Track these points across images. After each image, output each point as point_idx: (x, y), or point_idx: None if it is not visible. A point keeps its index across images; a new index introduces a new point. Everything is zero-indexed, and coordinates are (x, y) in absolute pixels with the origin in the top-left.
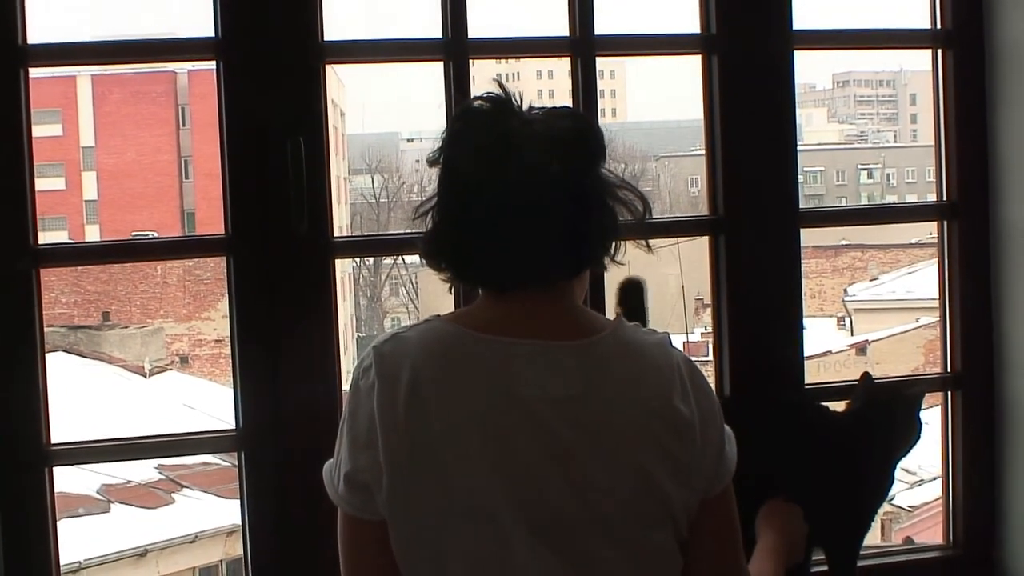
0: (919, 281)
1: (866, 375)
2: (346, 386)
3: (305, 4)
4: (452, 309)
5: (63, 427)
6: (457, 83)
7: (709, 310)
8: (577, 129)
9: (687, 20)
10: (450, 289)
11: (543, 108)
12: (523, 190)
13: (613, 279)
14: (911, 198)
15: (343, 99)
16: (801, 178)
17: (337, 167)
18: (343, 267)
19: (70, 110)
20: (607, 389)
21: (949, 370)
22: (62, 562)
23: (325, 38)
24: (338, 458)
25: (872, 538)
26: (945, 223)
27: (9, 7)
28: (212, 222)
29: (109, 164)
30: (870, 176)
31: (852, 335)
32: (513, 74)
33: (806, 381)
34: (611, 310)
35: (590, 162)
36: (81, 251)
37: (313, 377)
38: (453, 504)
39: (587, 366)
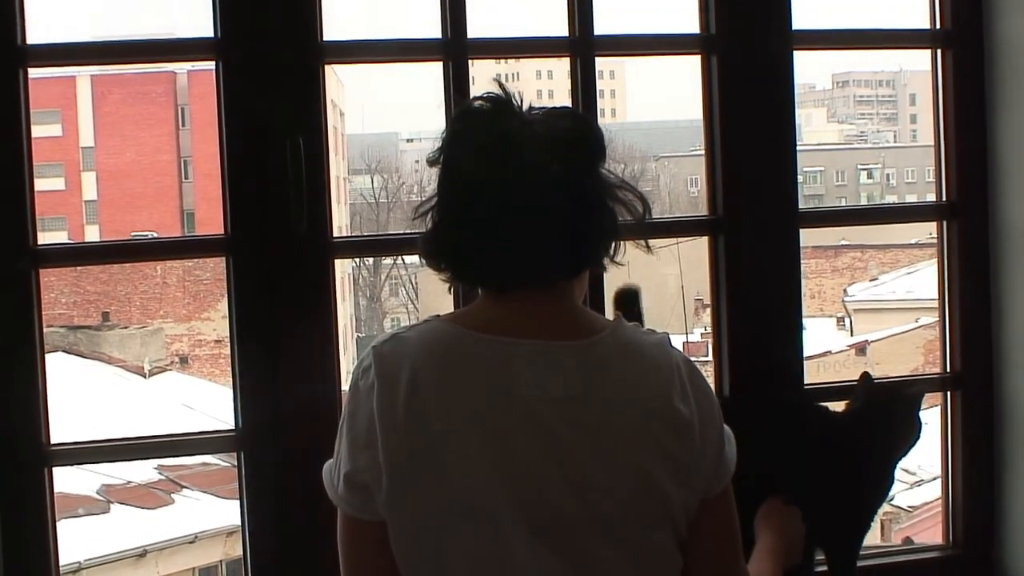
0: (919, 281)
1: (866, 375)
2: (345, 386)
3: (305, 4)
4: (452, 309)
5: (63, 427)
6: (457, 83)
7: (709, 310)
8: (577, 129)
9: (687, 20)
10: (450, 289)
11: (543, 108)
12: (523, 190)
13: (613, 280)
14: (911, 198)
15: (343, 99)
16: (801, 178)
17: (337, 167)
18: (343, 267)
19: (69, 110)
20: (607, 389)
21: (949, 370)
22: (62, 562)
23: (324, 38)
24: (338, 458)
25: (872, 538)
26: (945, 223)
27: (9, 7)
28: (212, 222)
29: (109, 164)
30: (870, 176)
31: (852, 335)
32: (513, 74)
33: (806, 381)
34: (609, 315)
35: (590, 162)
36: (81, 251)
37: (313, 377)
38: (453, 504)
39: (587, 366)
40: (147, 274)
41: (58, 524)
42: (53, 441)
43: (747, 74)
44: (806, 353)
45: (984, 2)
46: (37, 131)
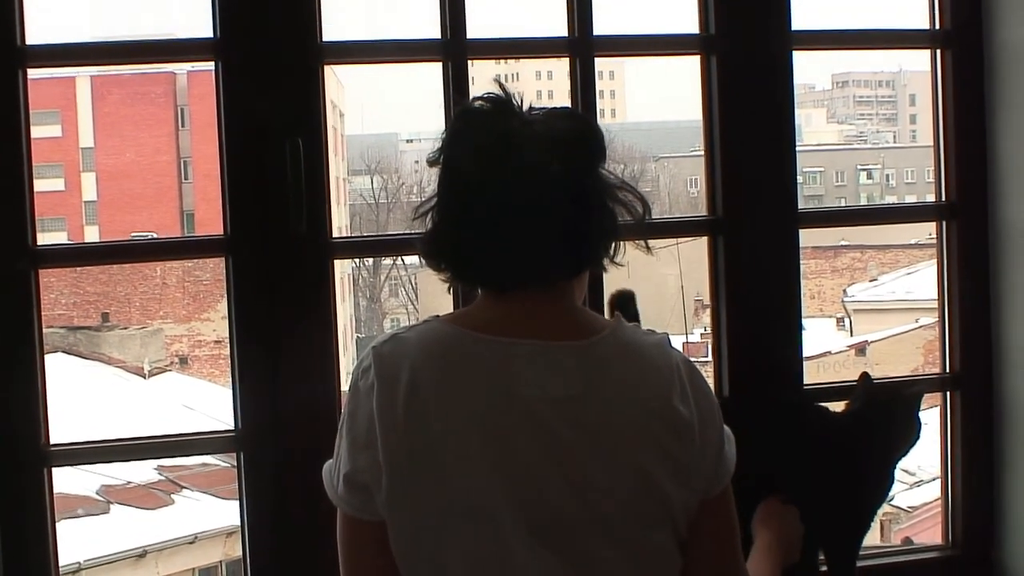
0: (918, 281)
1: (865, 375)
2: (345, 387)
3: (304, 4)
4: (452, 309)
5: (62, 428)
6: (456, 84)
7: (708, 311)
8: (577, 129)
9: (686, 20)
10: (449, 289)
11: (543, 108)
12: (523, 190)
13: (612, 280)
14: (910, 198)
15: (342, 100)
16: (800, 179)
17: (336, 168)
18: (342, 268)
19: (69, 111)
20: (607, 389)
21: (948, 370)
22: (61, 563)
23: (324, 38)
24: (337, 459)
25: (871, 538)
26: (944, 223)
27: (8, 7)
28: (211, 223)
29: (108, 165)
30: (869, 176)
31: (851, 335)
32: (512, 75)
33: (805, 381)
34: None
35: (590, 162)
36: (80, 252)
37: (312, 378)
38: (453, 504)
39: (587, 366)
40: (147, 275)
41: (58, 524)
42: (53, 441)
43: (747, 74)
44: (806, 353)
45: (984, 3)
46: (37, 132)
